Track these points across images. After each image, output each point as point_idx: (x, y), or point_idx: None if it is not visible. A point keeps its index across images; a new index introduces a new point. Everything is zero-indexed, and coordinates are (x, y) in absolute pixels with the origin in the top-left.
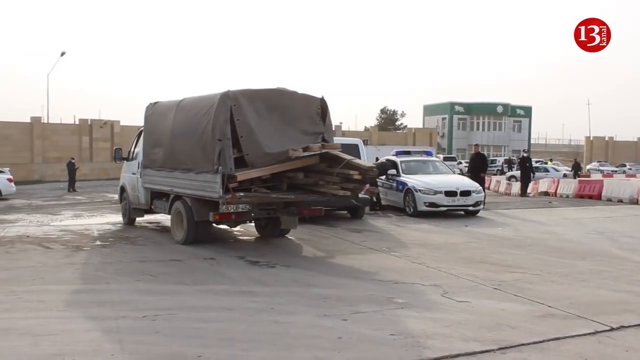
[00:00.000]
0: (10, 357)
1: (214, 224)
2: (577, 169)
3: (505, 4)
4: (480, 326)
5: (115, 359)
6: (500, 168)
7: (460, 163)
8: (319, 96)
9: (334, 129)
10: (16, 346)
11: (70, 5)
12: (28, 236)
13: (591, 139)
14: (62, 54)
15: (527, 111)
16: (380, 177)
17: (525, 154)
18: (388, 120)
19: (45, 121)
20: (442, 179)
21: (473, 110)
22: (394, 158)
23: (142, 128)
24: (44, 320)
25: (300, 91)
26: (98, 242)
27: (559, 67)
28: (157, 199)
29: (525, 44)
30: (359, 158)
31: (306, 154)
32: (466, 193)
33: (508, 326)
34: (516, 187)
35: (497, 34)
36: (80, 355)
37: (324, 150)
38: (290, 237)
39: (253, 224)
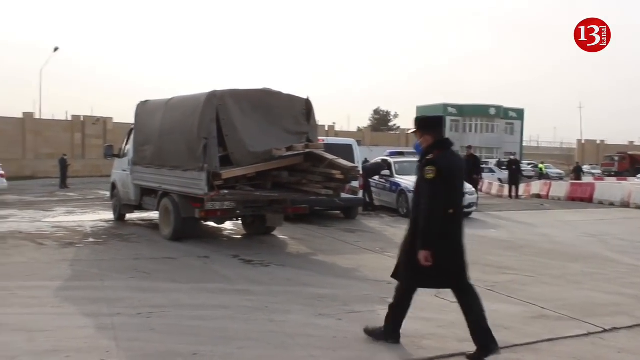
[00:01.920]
0: (5, 352)
1: (200, 221)
2: (578, 173)
3: (501, 6)
4: None
5: (110, 356)
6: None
7: None
8: (304, 97)
9: (327, 129)
10: (11, 342)
11: (65, 0)
12: (21, 232)
13: (583, 142)
14: (56, 49)
15: (520, 113)
16: (374, 178)
17: (512, 157)
18: (381, 121)
19: (38, 117)
20: None
21: (466, 112)
22: (387, 158)
23: (133, 126)
24: (38, 317)
25: (286, 92)
26: (91, 239)
27: (553, 69)
28: (147, 195)
29: (519, 47)
30: (353, 159)
31: (289, 153)
32: None
33: (502, 327)
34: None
35: (493, 37)
36: (75, 351)
37: (307, 150)
38: (283, 237)
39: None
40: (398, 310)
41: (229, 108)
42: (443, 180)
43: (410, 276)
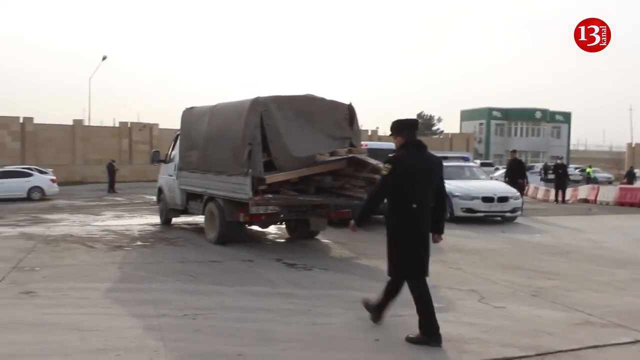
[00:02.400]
0: (59, 350)
1: (245, 225)
2: (630, 177)
3: (539, 8)
4: (517, 332)
5: (157, 355)
6: (539, 174)
7: (498, 169)
8: (347, 102)
9: (370, 133)
10: (64, 340)
11: (112, 10)
12: (72, 235)
13: (633, 145)
14: (104, 58)
15: (567, 117)
16: None
17: (559, 161)
18: (425, 126)
19: (87, 124)
20: (480, 185)
21: (511, 115)
22: None
23: (179, 131)
24: (89, 317)
25: (328, 98)
26: (139, 242)
27: (600, 71)
28: (192, 200)
29: (565, 49)
30: None
31: (333, 158)
32: (504, 199)
33: (545, 332)
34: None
35: (536, 39)
36: (125, 350)
37: (350, 155)
38: (326, 241)
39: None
40: (422, 307)
41: (272, 114)
42: (399, 177)
43: (399, 271)
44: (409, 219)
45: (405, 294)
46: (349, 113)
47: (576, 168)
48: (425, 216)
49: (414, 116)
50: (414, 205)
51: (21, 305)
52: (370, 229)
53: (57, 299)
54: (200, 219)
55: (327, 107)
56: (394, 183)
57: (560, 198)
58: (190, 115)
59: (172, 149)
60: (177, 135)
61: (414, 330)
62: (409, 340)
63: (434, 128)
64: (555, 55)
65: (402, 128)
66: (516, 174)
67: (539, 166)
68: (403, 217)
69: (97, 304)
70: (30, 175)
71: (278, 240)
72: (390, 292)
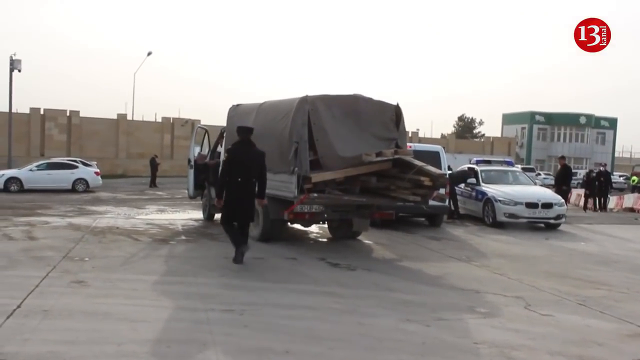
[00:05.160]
0: (112, 339)
1: (288, 223)
2: None
3: (588, 12)
4: (566, 341)
5: (207, 349)
6: (581, 181)
7: (539, 174)
8: (394, 103)
9: (410, 135)
10: (116, 330)
11: (157, 7)
12: (117, 227)
13: None
14: (149, 53)
15: (612, 123)
16: (460, 186)
17: (602, 168)
18: (465, 128)
19: (130, 118)
20: (523, 190)
21: (554, 120)
22: (474, 166)
23: (223, 128)
24: (139, 308)
25: (375, 98)
26: (183, 237)
27: None
28: None
29: (611, 52)
30: (440, 166)
31: (379, 159)
32: (548, 205)
33: (595, 343)
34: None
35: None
36: (175, 342)
37: (396, 156)
38: (368, 242)
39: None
40: (234, 241)
41: (320, 113)
42: (231, 161)
43: (224, 217)
44: (235, 188)
45: (446, 297)
46: (396, 114)
47: (620, 176)
48: (248, 187)
49: (454, 118)
50: (239, 179)
51: (73, 294)
52: (412, 231)
53: (108, 289)
54: None
55: (375, 108)
56: (230, 165)
57: (600, 206)
58: (236, 113)
59: (215, 146)
60: (222, 132)
61: (461, 334)
62: (235, 261)
63: (475, 131)
64: (601, 59)
65: (240, 132)
66: (563, 180)
67: (581, 173)
68: (232, 187)
69: (146, 296)
70: (75, 167)
71: (320, 239)
72: (236, 235)
